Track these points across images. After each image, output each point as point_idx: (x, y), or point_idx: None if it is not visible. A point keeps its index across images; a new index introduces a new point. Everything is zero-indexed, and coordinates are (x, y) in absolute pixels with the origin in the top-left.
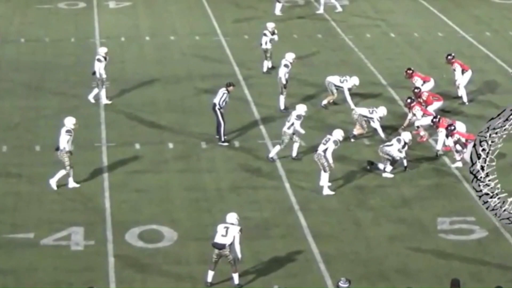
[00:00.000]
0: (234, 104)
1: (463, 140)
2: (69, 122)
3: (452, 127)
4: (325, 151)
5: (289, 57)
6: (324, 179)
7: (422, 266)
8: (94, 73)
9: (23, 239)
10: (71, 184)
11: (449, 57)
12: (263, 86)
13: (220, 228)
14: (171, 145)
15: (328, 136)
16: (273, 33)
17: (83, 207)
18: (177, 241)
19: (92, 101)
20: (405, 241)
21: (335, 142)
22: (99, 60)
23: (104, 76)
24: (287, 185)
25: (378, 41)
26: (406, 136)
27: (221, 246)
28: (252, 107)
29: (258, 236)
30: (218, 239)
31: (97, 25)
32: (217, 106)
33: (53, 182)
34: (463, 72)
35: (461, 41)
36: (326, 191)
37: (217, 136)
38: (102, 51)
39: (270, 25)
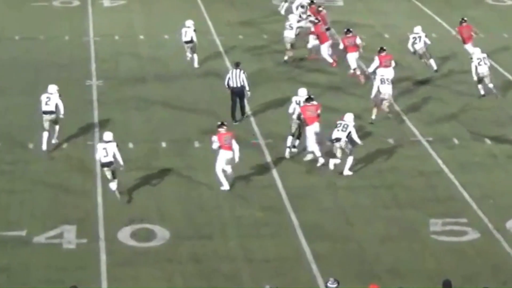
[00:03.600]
0: (226, 103)
1: None
2: (54, 88)
3: None
4: (347, 136)
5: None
6: (349, 163)
7: (414, 267)
8: None
9: (16, 236)
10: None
11: None
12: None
13: (100, 149)
14: (164, 144)
15: (342, 122)
16: None
17: (75, 205)
18: (169, 240)
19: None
20: (397, 242)
21: (353, 125)
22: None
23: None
24: (279, 184)
25: (372, 41)
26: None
27: (108, 164)
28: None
29: (250, 234)
30: (103, 159)
31: (91, 24)
32: (247, 88)
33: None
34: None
35: (455, 42)
36: (347, 172)
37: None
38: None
39: None
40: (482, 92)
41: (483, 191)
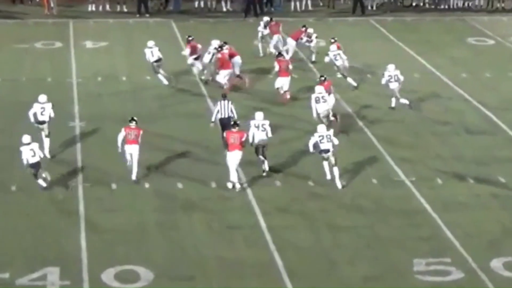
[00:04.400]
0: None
1: None
2: (45, 97)
3: None
4: (334, 146)
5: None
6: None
7: None
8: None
9: None
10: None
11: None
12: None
13: (26, 151)
14: (147, 185)
15: (326, 133)
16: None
17: (59, 247)
18: (153, 281)
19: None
20: (381, 282)
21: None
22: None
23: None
24: (262, 224)
25: (354, 81)
26: None
27: (36, 165)
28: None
29: (233, 275)
30: (31, 160)
31: (74, 65)
32: (234, 118)
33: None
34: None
35: (437, 82)
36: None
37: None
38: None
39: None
40: (393, 105)
41: (466, 230)
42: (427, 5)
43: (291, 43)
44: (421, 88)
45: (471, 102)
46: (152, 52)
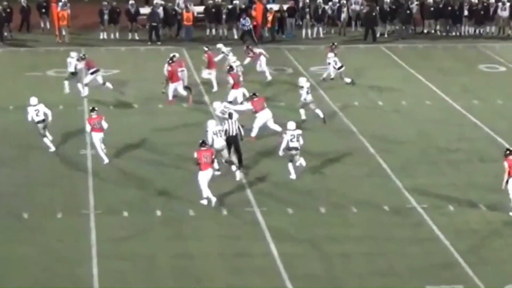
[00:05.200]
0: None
1: None
2: (35, 99)
3: None
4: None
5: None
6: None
7: None
8: None
9: None
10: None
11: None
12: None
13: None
14: (158, 212)
15: (294, 133)
16: None
17: (70, 275)
18: None
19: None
20: None
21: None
22: None
23: None
24: (275, 252)
25: (365, 108)
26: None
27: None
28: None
29: None
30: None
31: (85, 92)
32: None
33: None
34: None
35: (449, 109)
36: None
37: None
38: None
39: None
40: (304, 117)
41: (479, 257)
42: (438, 32)
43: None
44: (432, 115)
45: (483, 129)
46: (70, 63)
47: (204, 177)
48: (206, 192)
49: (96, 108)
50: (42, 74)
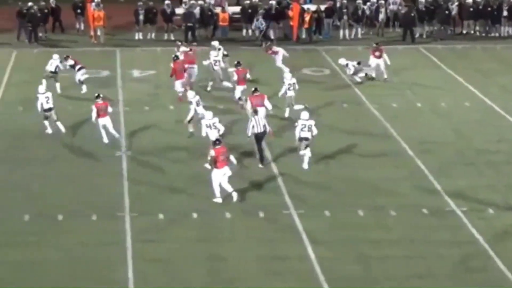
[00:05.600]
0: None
1: None
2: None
3: None
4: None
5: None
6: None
7: None
8: None
9: None
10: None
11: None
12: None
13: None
14: (195, 215)
15: (308, 122)
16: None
17: (106, 278)
18: None
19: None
20: None
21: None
22: None
23: None
24: (312, 255)
25: (403, 110)
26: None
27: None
28: (279, 179)
29: None
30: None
31: (120, 94)
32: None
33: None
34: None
35: (488, 111)
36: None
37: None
38: None
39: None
40: (287, 115)
41: None
42: (477, 33)
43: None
44: (471, 116)
45: None
46: (52, 63)
47: (219, 174)
48: (218, 190)
49: (101, 95)
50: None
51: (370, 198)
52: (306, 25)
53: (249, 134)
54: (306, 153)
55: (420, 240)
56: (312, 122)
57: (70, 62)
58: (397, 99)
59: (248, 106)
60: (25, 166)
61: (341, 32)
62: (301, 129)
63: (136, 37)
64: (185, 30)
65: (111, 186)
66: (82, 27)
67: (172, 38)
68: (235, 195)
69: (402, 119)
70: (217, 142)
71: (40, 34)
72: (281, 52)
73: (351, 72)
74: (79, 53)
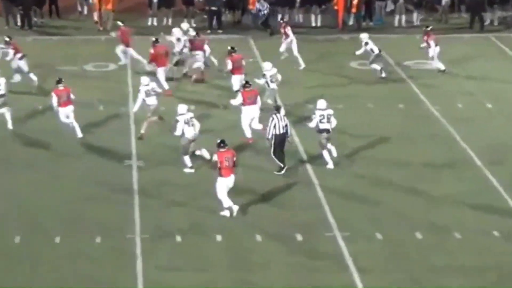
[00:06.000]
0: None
1: None
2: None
3: None
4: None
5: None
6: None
7: None
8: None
9: None
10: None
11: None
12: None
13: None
14: (219, 237)
15: (327, 112)
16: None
17: None
18: None
19: None
20: None
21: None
22: None
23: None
24: (360, 286)
25: (471, 111)
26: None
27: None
28: (317, 189)
29: None
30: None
31: (130, 92)
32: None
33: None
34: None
35: None
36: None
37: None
38: None
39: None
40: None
41: None
42: None
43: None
44: None
45: None
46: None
47: (225, 184)
48: (227, 201)
49: (63, 79)
50: (78, 68)
51: (430, 217)
52: (353, 10)
53: (269, 136)
54: (332, 150)
55: (490, 268)
56: (331, 112)
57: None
58: (462, 99)
59: (238, 101)
60: (11, 171)
61: (396, 17)
62: (320, 120)
63: (149, 23)
64: (209, 15)
65: (118, 201)
66: (86, 11)
67: (194, 24)
68: (235, 209)
69: (468, 122)
70: (222, 145)
71: (35, 19)
72: (294, 40)
73: (370, 58)
74: (81, 42)
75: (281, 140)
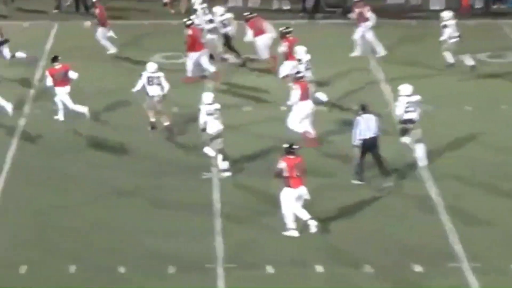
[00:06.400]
0: None
1: None
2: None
3: None
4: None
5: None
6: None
7: None
8: None
9: None
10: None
11: None
12: None
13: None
14: (319, 268)
15: (413, 98)
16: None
17: None
18: None
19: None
20: None
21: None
22: None
23: None
24: None
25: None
26: None
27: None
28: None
29: None
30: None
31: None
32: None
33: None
34: None
35: None
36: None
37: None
38: None
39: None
40: None
41: None
42: None
43: None
44: None
45: None
46: None
47: (293, 196)
48: (292, 220)
49: (59, 58)
50: (143, 59)
51: None
52: None
53: (356, 141)
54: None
55: None
56: (418, 98)
57: None
58: None
59: (295, 96)
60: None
61: None
62: (406, 109)
63: (229, 4)
64: None
65: (196, 224)
66: None
67: (286, 6)
68: (313, 225)
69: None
70: (291, 150)
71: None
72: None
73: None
74: (147, 28)
75: (369, 146)
